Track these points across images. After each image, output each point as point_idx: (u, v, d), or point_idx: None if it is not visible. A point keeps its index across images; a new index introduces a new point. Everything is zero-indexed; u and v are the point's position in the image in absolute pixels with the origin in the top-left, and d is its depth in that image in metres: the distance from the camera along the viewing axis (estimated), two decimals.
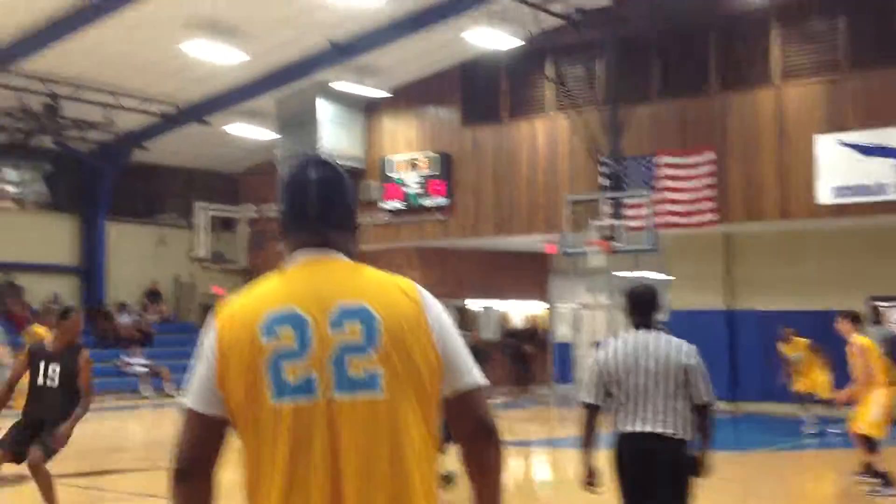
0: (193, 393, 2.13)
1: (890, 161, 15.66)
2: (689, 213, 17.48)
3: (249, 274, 25.82)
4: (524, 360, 23.12)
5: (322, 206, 2.20)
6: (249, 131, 21.35)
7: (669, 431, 4.89)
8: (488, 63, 19.66)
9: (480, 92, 20.33)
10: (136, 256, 23.59)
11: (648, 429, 4.90)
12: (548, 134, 19.25)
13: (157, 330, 23.05)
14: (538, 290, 23.80)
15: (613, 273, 21.68)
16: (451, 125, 20.64)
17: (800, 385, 15.35)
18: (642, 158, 17.77)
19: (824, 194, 16.28)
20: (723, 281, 19.41)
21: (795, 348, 15.40)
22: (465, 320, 22.85)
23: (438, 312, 2.14)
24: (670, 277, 20.58)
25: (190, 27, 16.26)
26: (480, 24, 17.31)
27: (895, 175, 15.59)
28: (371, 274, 2.16)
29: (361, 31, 17.69)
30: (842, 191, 16.15)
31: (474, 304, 22.93)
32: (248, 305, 2.11)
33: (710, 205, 17.28)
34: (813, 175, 16.25)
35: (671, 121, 17.75)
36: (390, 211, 21.19)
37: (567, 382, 23.50)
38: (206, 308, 25.12)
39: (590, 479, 5.16)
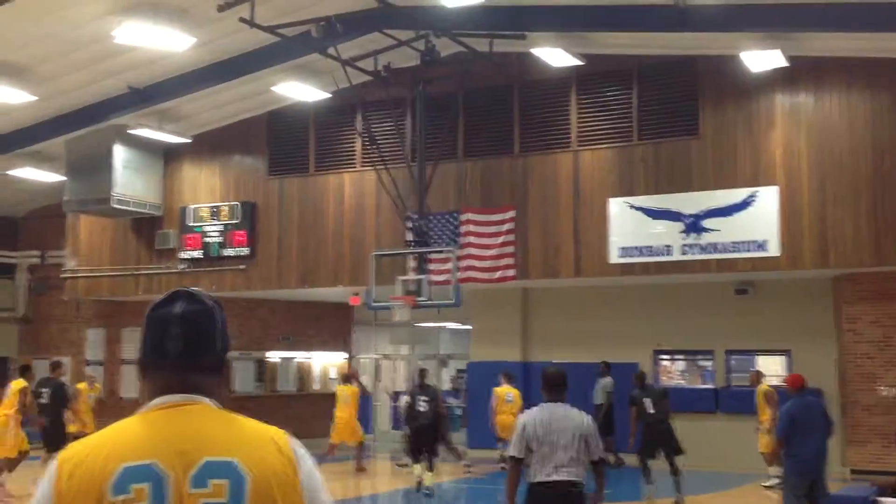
0: None
1: (674, 224, 16.80)
2: (490, 269, 17.91)
3: (28, 323, 24.04)
4: None
5: (186, 346, 2.03)
6: (34, 174, 19.97)
7: (574, 479, 6.19)
8: (297, 114, 19.46)
9: (288, 143, 20.07)
10: None
11: (561, 478, 6.15)
12: (355, 188, 19.24)
13: None
14: (340, 341, 23.62)
15: (415, 324, 21.92)
16: (256, 175, 20.19)
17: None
18: (447, 214, 18.12)
19: (614, 254, 17.18)
20: (520, 334, 20.04)
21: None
22: (263, 373, 22.28)
23: (310, 468, 2.03)
24: (469, 328, 21.05)
25: None
26: (289, 76, 17.13)
27: (679, 238, 16.75)
28: (242, 425, 2.01)
29: (163, 77, 17.05)
30: (630, 251, 17.09)
31: (274, 357, 22.38)
32: (97, 455, 1.91)
33: (510, 261, 17.80)
34: (605, 235, 17.12)
35: (475, 179, 18.22)
36: (188, 260, 20.42)
37: (367, 433, 23.35)
38: None
39: None
